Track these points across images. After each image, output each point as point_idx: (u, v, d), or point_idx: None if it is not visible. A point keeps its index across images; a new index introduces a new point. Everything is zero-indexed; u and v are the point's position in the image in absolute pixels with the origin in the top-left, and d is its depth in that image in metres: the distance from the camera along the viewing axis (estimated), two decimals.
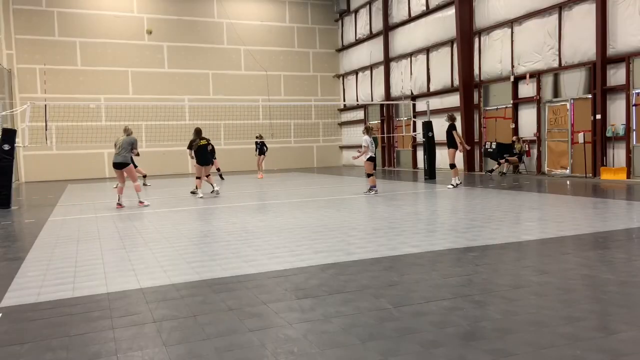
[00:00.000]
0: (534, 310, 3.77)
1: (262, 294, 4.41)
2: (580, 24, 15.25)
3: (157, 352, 3.24)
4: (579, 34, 15.31)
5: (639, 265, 5.00)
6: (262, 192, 14.51)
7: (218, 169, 19.26)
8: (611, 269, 4.86)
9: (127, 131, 11.59)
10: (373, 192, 12.52)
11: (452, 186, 13.29)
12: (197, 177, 13.11)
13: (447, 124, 13.78)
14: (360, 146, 12.82)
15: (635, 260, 5.19)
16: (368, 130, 12.75)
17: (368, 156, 12.53)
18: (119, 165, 11.42)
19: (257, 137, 20.43)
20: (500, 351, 3.07)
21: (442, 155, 19.85)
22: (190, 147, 13.13)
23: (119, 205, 11.23)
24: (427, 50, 21.92)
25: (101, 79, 24.28)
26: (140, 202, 11.54)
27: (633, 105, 14.09)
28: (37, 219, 9.90)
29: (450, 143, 13.67)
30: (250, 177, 20.63)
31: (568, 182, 14.17)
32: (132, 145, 11.42)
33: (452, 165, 13.64)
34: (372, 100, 26.04)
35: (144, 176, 17.84)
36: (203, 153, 13.06)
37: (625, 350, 3.05)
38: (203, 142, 12.98)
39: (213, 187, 13.25)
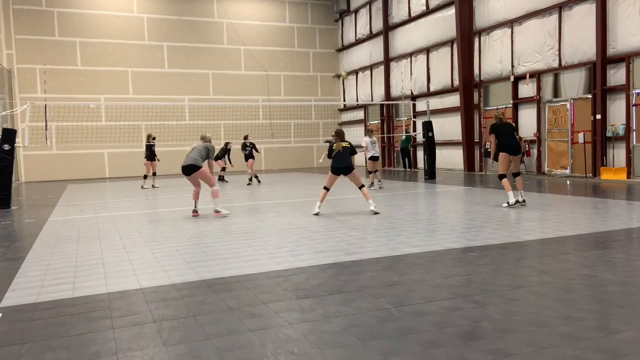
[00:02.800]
0: (534, 310, 3.77)
1: (262, 294, 4.41)
2: (580, 24, 15.25)
3: (157, 352, 3.24)
4: (579, 34, 15.31)
5: (639, 265, 4.99)
6: (262, 192, 14.51)
7: (223, 169, 19.18)
8: (611, 269, 4.86)
9: (205, 138, 9.97)
10: (372, 188, 13.70)
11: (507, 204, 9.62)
12: (325, 188, 9.73)
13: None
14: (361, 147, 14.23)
15: (635, 260, 5.19)
16: (368, 132, 14.37)
17: (369, 155, 13.95)
18: (187, 170, 9.53)
19: (245, 139, 18.14)
20: (500, 351, 3.07)
21: (442, 155, 19.87)
22: (329, 154, 9.83)
23: (195, 212, 9.71)
24: (427, 50, 21.92)
25: (101, 79, 24.29)
26: (217, 211, 9.56)
27: (633, 105, 14.09)
28: (37, 219, 9.90)
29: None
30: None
31: (568, 182, 14.17)
32: (207, 153, 9.62)
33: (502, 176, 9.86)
34: (372, 100, 26.05)
35: (154, 174, 17.17)
36: (343, 158, 9.62)
37: (625, 350, 3.05)
38: (345, 144, 9.66)
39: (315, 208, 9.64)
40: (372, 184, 13.97)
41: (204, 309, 4.05)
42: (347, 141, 9.74)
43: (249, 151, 17.58)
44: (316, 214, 9.34)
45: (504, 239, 6.45)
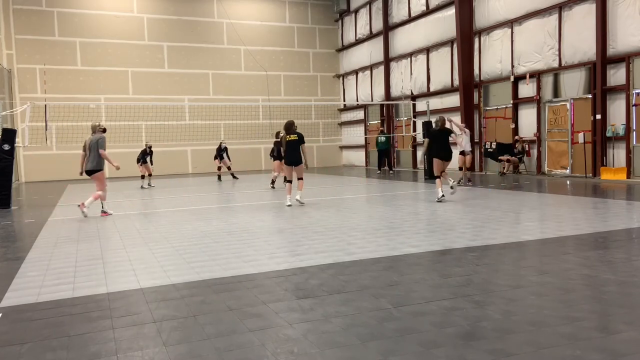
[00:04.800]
0: (534, 310, 3.77)
1: (262, 294, 4.41)
2: (580, 24, 15.25)
3: (157, 352, 3.24)
4: (579, 34, 15.31)
5: (639, 265, 5.00)
6: (262, 192, 14.51)
7: (229, 168, 19.43)
8: (611, 269, 4.86)
9: (93, 128, 10.18)
10: (460, 184, 13.76)
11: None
12: (288, 181, 10.89)
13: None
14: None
15: (635, 260, 5.19)
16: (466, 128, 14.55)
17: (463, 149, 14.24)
18: (89, 173, 10.03)
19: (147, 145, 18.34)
20: (500, 351, 3.07)
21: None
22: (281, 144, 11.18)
23: (104, 213, 10.07)
24: (427, 50, 21.92)
25: (101, 79, 24.28)
26: (104, 212, 10.08)
27: (633, 105, 14.09)
28: (37, 219, 9.90)
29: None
30: (251, 178, 20.64)
31: (568, 182, 14.17)
32: (97, 148, 9.92)
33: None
34: (372, 100, 26.04)
35: (149, 175, 17.91)
36: (290, 151, 10.75)
37: (625, 350, 3.05)
38: (292, 137, 10.72)
39: (296, 200, 10.68)
40: (460, 180, 13.87)
41: (204, 309, 4.05)
42: (296, 133, 10.74)
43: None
44: (289, 206, 10.44)
45: (504, 239, 6.45)
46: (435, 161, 11.02)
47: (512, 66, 17.76)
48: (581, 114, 15.53)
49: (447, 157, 10.89)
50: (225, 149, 19.45)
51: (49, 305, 4.31)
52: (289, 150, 10.71)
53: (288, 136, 10.75)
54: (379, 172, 21.42)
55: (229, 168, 19.43)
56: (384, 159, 21.82)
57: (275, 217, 9.12)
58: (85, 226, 8.75)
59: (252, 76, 26.91)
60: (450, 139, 11.00)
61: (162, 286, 4.77)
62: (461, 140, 13.91)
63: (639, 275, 4.64)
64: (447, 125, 13.52)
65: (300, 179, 10.82)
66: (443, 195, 10.53)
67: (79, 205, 9.93)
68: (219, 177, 19.42)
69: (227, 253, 6.17)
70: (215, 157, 19.43)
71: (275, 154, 15.66)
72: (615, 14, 14.26)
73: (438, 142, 10.98)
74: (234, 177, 19.75)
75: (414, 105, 22.64)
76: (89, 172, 10.11)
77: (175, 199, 13.16)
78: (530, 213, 8.80)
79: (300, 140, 10.70)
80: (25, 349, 3.36)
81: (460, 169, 14.55)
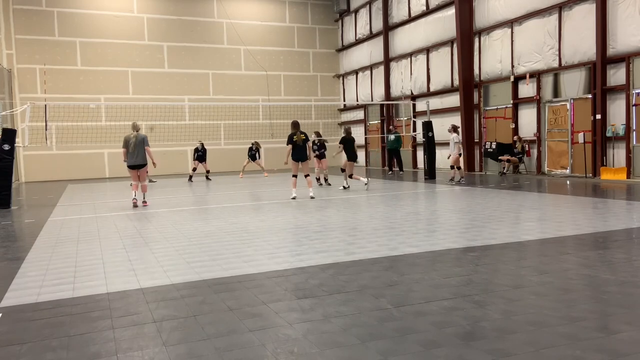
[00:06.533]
0: (534, 310, 3.77)
1: (262, 294, 4.41)
2: (580, 24, 15.25)
3: (157, 352, 3.24)
4: (579, 34, 15.31)
5: (639, 265, 5.00)
6: (262, 192, 14.52)
7: (208, 171, 20.12)
8: (611, 269, 4.86)
9: (136, 127, 11.38)
10: (452, 183, 14.72)
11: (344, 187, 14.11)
12: (294, 176, 12.19)
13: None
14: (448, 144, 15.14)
15: (635, 260, 5.19)
16: (455, 129, 14.90)
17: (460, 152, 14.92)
18: (138, 167, 11.21)
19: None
20: (500, 351, 3.07)
21: (442, 155, 19.87)
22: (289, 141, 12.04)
23: (136, 200, 11.35)
24: (427, 50, 21.91)
25: (101, 79, 24.28)
26: (145, 202, 11.57)
27: (633, 105, 14.08)
28: (37, 219, 9.90)
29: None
30: (250, 178, 20.64)
31: (568, 182, 14.17)
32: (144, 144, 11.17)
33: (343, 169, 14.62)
34: (372, 100, 26.04)
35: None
36: (299, 149, 11.92)
37: (625, 350, 3.05)
38: (302, 136, 11.87)
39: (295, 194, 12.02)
40: (452, 179, 14.85)
41: (204, 309, 4.05)
42: (303, 132, 11.93)
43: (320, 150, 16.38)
44: (293, 198, 11.69)
45: (504, 239, 6.46)
46: (349, 163, 14.00)
47: (512, 66, 17.76)
48: (581, 114, 15.53)
49: (355, 158, 14.14)
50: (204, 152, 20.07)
51: (49, 305, 4.31)
52: (297, 148, 11.80)
53: (298, 135, 11.91)
54: (390, 172, 20.91)
55: (207, 171, 20.04)
56: (394, 158, 21.09)
57: (275, 217, 9.12)
58: (85, 226, 8.75)
59: (252, 76, 26.91)
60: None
61: (162, 286, 4.77)
62: (454, 146, 14.75)
63: (639, 275, 4.64)
64: (452, 136, 14.83)
65: (307, 175, 12.16)
66: (349, 186, 14.00)
67: (134, 200, 11.28)
68: (190, 178, 19.69)
69: (227, 253, 6.17)
70: (195, 159, 20.00)
71: (317, 153, 16.01)
72: (615, 14, 14.26)
73: (349, 147, 13.93)
74: (208, 178, 20.15)
75: (414, 105, 22.63)
76: (138, 167, 11.12)
77: (175, 199, 13.16)
78: (530, 213, 8.80)
79: (307, 139, 12.00)
80: (25, 349, 3.36)
81: (452, 167, 14.86)
